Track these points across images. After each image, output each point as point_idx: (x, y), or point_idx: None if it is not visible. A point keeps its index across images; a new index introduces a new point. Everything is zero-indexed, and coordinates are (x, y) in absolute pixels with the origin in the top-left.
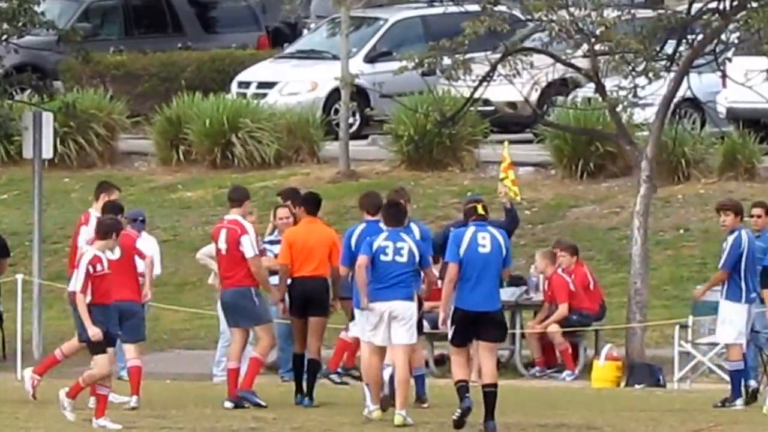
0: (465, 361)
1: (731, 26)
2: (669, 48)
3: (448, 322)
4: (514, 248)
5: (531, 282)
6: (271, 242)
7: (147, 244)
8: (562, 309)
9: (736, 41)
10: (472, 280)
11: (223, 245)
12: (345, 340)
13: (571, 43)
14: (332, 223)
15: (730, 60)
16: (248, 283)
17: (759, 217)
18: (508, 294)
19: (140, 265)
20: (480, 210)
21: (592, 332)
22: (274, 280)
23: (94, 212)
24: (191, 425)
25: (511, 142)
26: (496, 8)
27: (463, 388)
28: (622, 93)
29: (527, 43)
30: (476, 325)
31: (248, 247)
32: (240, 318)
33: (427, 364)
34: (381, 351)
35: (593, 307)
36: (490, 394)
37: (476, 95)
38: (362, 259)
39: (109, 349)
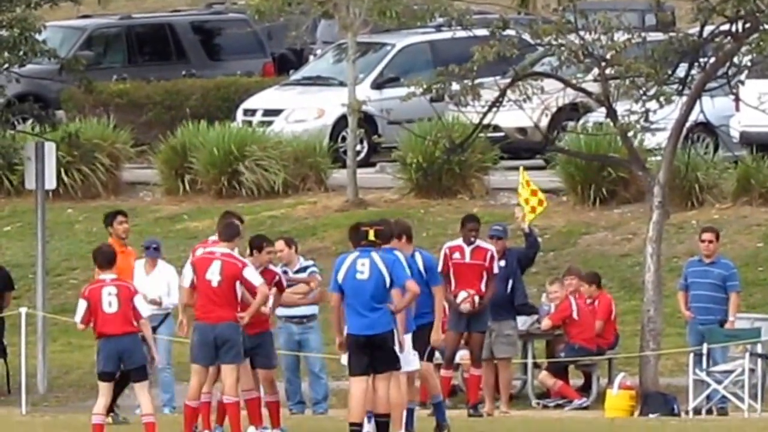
0: (363, 397)
1: (744, 49)
2: (681, 71)
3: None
4: (525, 276)
5: (542, 311)
6: None
7: (164, 272)
8: (545, 323)
9: (748, 64)
10: (354, 306)
11: (216, 277)
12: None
13: (581, 67)
14: (340, 253)
15: (742, 83)
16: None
17: (710, 242)
18: (519, 323)
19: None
20: (371, 236)
21: (606, 361)
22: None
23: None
24: None
25: (524, 168)
26: (504, 33)
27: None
28: (634, 118)
29: (537, 68)
30: (368, 351)
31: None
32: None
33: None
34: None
35: (608, 339)
36: (381, 425)
37: (485, 121)
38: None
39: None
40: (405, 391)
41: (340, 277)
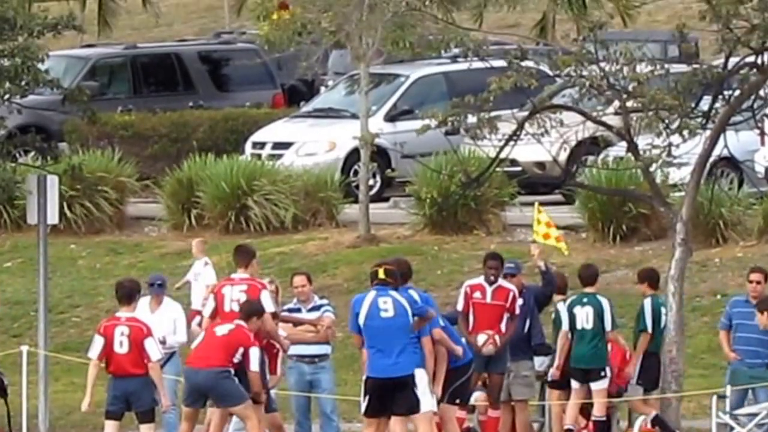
0: None
1: None
2: (704, 104)
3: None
4: (541, 315)
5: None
6: (290, 310)
7: (170, 309)
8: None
9: None
10: (378, 347)
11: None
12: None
13: (602, 99)
14: (352, 290)
15: None
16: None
17: (758, 283)
18: (536, 363)
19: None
20: (381, 274)
21: (625, 403)
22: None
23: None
24: None
25: (540, 204)
26: (522, 63)
27: None
28: (656, 152)
29: (556, 100)
30: (389, 394)
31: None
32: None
33: None
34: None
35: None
36: None
37: (503, 155)
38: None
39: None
40: None
41: (362, 318)
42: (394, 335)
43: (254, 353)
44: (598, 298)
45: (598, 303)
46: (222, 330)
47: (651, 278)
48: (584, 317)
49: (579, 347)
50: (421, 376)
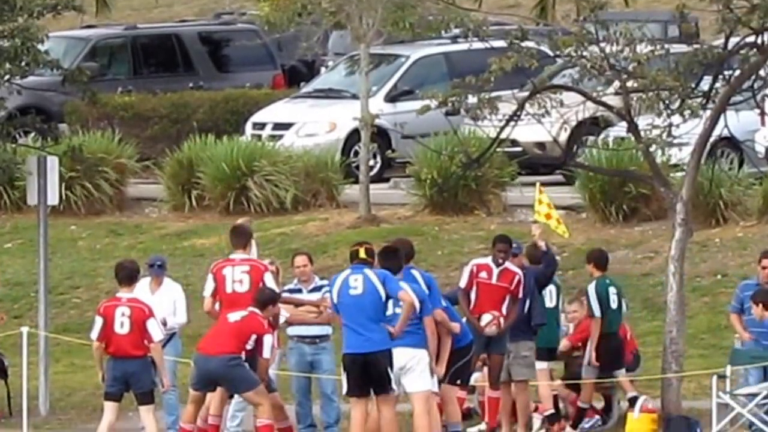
0: (363, 420)
1: None
2: (705, 84)
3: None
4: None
5: (561, 331)
6: (291, 291)
7: (170, 290)
8: (564, 344)
9: None
10: (348, 324)
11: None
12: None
13: (603, 80)
14: None
15: None
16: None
17: None
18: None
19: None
20: (361, 254)
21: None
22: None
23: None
24: None
25: (541, 184)
26: (523, 44)
27: None
28: (656, 132)
29: (556, 81)
30: (365, 372)
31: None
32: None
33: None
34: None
35: (628, 359)
36: None
37: (503, 135)
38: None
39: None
40: (435, 414)
41: (334, 296)
42: (362, 312)
43: (267, 341)
44: (554, 278)
45: (556, 283)
46: (235, 317)
47: (598, 259)
48: (548, 296)
49: (549, 327)
50: (421, 356)
